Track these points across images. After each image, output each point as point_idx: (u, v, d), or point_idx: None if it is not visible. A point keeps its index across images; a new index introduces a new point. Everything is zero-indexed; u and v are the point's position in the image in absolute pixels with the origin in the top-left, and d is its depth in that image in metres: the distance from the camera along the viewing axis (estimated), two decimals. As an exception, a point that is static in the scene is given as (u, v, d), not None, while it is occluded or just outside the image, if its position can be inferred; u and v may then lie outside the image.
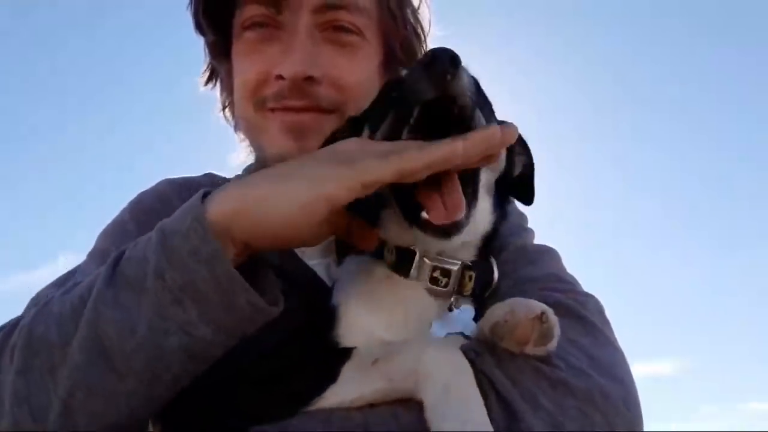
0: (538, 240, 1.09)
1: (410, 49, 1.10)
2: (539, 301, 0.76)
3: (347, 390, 0.71)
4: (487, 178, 0.87)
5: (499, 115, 0.92)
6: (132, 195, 1.13)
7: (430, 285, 0.85)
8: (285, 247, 0.74)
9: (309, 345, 0.83)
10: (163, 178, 1.21)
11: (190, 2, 1.08)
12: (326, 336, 0.81)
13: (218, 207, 0.69)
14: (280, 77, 0.99)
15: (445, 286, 0.85)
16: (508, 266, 0.96)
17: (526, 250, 1.01)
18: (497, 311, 0.75)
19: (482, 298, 0.90)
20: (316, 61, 0.98)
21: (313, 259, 1.09)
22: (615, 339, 0.85)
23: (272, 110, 1.03)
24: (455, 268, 0.85)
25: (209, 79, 1.23)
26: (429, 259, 0.85)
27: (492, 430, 0.65)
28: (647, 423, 0.83)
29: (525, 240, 1.05)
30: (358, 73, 1.01)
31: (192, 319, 0.67)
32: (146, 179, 1.19)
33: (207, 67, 1.22)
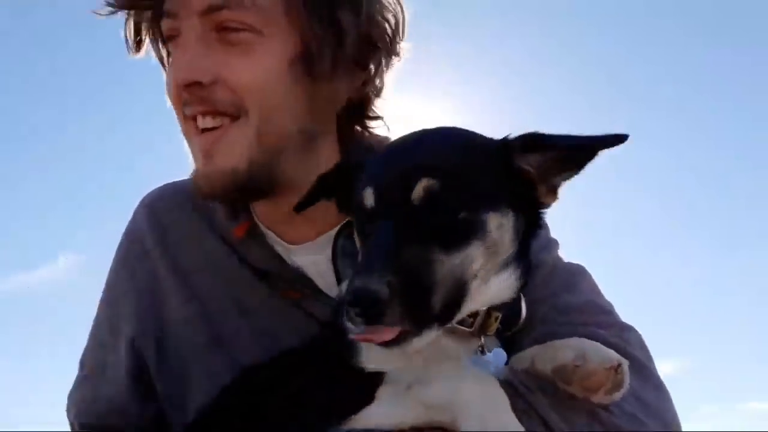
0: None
1: (327, 46, 0.98)
2: (587, 338, 0.76)
3: (384, 412, 0.71)
4: (485, 272, 0.79)
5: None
6: (131, 195, 1.15)
7: (454, 325, 0.80)
8: None
9: (335, 365, 0.81)
10: (160, 182, 1.22)
11: (125, 27, 1.06)
12: (350, 361, 0.79)
13: None
14: (177, 87, 0.98)
15: (471, 326, 0.81)
16: (544, 290, 0.94)
17: (558, 270, 0.99)
18: (564, 353, 0.73)
19: (504, 335, 0.87)
20: (201, 65, 0.95)
21: (303, 255, 1.07)
22: (657, 373, 0.87)
23: (190, 118, 1.00)
24: (483, 308, 0.81)
25: None
26: None
27: None
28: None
29: (555, 255, 1.03)
30: (252, 72, 0.96)
31: None
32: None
33: None
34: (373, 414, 0.71)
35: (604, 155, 0.76)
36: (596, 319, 0.90)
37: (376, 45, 1.03)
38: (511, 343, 0.87)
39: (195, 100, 0.97)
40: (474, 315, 0.81)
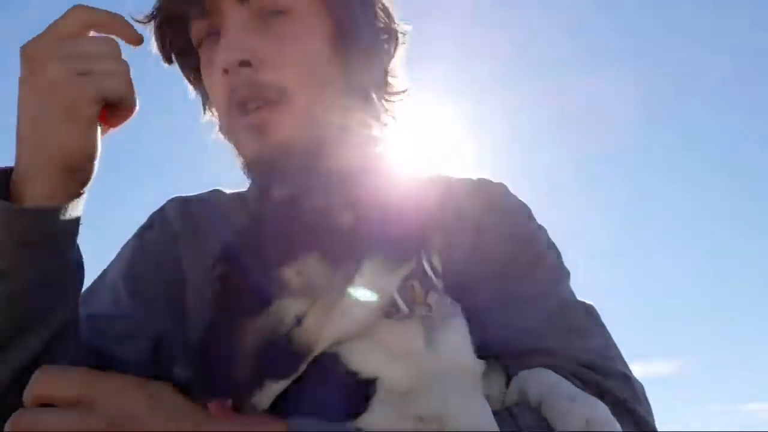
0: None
1: (361, 23, 1.01)
2: (595, 390, 0.79)
3: (379, 423, 0.71)
4: None
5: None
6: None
7: (385, 319, 0.79)
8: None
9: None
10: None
11: (157, 38, 1.05)
12: (340, 366, 0.78)
13: None
14: (225, 72, 0.95)
15: (397, 310, 0.79)
16: (548, 329, 0.92)
17: (566, 310, 0.95)
18: (572, 418, 0.73)
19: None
20: (247, 45, 0.94)
21: None
22: (656, 426, 0.86)
23: (240, 110, 0.98)
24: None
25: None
26: None
27: None
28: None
29: (563, 290, 0.99)
30: (293, 54, 0.96)
31: None
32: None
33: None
34: (368, 423, 0.71)
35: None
36: (602, 366, 0.88)
37: (393, 21, 1.06)
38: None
39: (242, 83, 0.96)
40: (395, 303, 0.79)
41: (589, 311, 0.97)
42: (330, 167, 0.97)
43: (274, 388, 0.75)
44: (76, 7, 0.79)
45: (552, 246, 1.05)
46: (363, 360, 0.77)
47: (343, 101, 1.02)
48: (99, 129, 0.81)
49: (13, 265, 0.77)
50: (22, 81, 0.78)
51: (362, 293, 0.78)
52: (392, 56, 1.08)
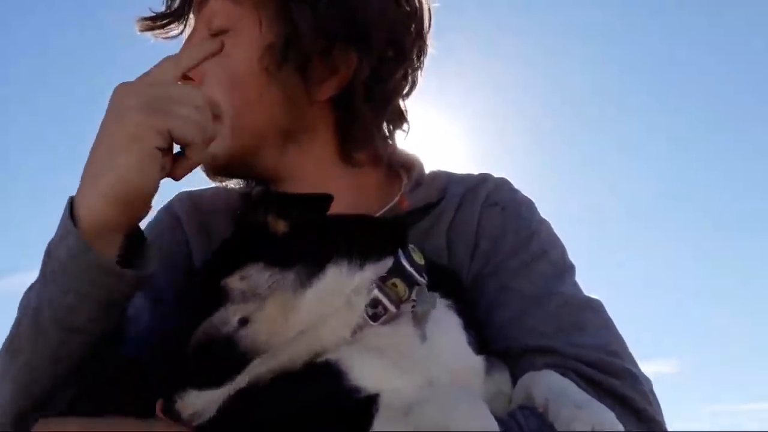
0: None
1: (290, 41, 0.96)
2: (601, 389, 0.79)
3: None
4: None
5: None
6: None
7: (371, 323, 0.78)
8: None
9: (322, 389, 0.77)
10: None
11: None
12: (340, 383, 0.76)
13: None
14: None
15: (385, 311, 0.78)
16: (553, 324, 0.90)
17: (570, 306, 0.93)
18: (579, 424, 0.72)
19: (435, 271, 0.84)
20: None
21: None
22: (664, 423, 0.86)
23: None
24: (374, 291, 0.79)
25: None
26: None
27: None
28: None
29: (569, 286, 0.97)
30: (225, 74, 0.99)
31: (56, 292, 0.76)
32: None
33: None
34: None
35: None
36: (606, 363, 0.86)
37: (358, 37, 0.98)
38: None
39: None
40: (376, 304, 0.78)
41: (594, 306, 0.95)
42: (269, 177, 1.03)
43: (199, 398, 0.74)
44: (168, 59, 0.83)
45: (555, 240, 1.03)
46: (363, 372, 0.75)
47: (279, 119, 1.00)
48: (160, 171, 0.79)
49: (91, 322, 0.78)
50: (104, 118, 0.80)
51: (322, 294, 0.78)
52: (366, 65, 0.99)
